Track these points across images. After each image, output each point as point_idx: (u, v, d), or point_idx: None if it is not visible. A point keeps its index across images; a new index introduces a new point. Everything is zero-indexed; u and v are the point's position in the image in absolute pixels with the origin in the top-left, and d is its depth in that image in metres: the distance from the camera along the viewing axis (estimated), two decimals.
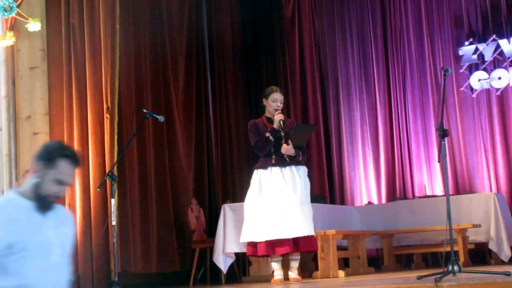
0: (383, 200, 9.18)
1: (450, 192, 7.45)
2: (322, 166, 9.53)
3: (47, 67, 6.70)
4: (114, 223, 5.53)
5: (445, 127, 4.94)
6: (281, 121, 5.83)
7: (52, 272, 2.86)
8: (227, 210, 6.76)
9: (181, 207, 7.77)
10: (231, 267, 7.02)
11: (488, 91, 8.92)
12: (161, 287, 7.38)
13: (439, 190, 8.86)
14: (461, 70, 9.06)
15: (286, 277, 5.98)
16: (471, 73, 9.02)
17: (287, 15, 9.94)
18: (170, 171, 7.77)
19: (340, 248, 7.02)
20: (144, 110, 6.04)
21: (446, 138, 5.02)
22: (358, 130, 9.58)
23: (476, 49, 8.96)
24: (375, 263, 8.04)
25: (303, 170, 5.93)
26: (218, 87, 8.93)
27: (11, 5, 6.38)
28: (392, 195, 9.14)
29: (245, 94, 9.60)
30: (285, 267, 6.03)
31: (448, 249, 4.86)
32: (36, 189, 2.87)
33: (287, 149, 5.81)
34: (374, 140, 9.46)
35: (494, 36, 8.85)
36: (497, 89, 8.84)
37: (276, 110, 5.89)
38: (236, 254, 6.90)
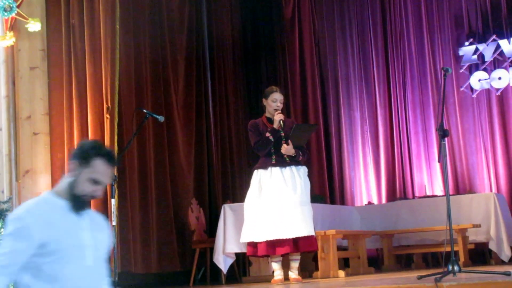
0: (383, 200, 9.18)
1: (450, 192, 7.44)
2: (322, 166, 9.53)
3: (47, 67, 6.70)
4: (114, 223, 5.53)
5: (445, 127, 4.94)
6: (281, 121, 5.83)
7: (86, 275, 2.81)
8: (227, 210, 6.76)
9: (181, 207, 7.77)
10: (231, 267, 7.02)
11: (488, 91, 8.92)
12: (161, 287, 7.38)
13: (439, 190, 8.86)
14: (461, 70, 9.06)
15: (286, 277, 5.98)
16: (471, 73, 9.02)
17: (287, 15, 9.94)
18: (170, 171, 7.77)
19: (340, 248, 7.02)
20: (144, 110, 6.04)
21: (446, 138, 5.03)
22: (358, 130, 9.58)
23: (476, 49, 8.96)
24: (375, 263, 8.05)
25: (303, 170, 5.93)
26: (218, 87, 8.93)
27: (11, 5, 6.38)
28: (392, 195, 9.13)
29: (245, 94, 9.60)
30: (285, 267, 6.03)
31: (448, 249, 4.87)
32: (71, 188, 2.83)
33: (287, 149, 5.81)
34: (374, 140, 9.46)
35: (494, 36, 8.85)
36: (497, 89, 8.84)
37: (276, 110, 5.89)
38: (236, 254, 6.90)
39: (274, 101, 5.91)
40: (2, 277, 2.67)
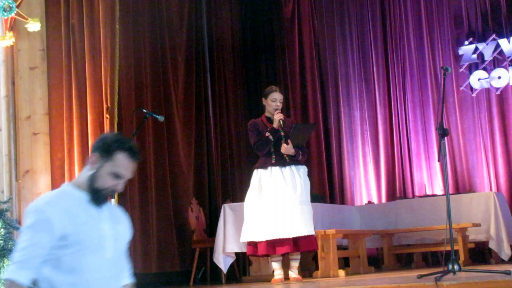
0: (383, 200, 9.18)
1: (450, 191, 7.45)
2: (322, 165, 9.53)
3: (47, 67, 6.69)
4: None
5: (445, 127, 4.94)
6: (280, 121, 5.83)
7: (106, 267, 2.77)
8: (227, 210, 6.76)
9: (181, 207, 7.77)
10: (231, 267, 7.02)
11: (488, 91, 8.92)
12: (161, 287, 7.38)
13: (439, 189, 8.86)
14: (461, 70, 9.06)
15: (286, 277, 5.98)
16: (471, 72, 9.02)
17: (287, 15, 9.94)
18: (170, 171, 7.78)
19: (340, 247, 7.03)
20: (144, 110, 6.04)
21: (446, 138, 5.03)
22: (358, 130, 9.58)
23: (476, 49, 8.96)
24: (375, 262, 8.04)
25: (303, 169, 5.93)
26: (218, 87, 8.93)
27: (11, 5, 6.38)
28: (392, 195, 9.13)
29: (245, 94, 9.61)
30: (285, 266, 6.03)
31: (448, 248, 4.87)
32: (91, 181, 2.78)
33: (286, 148, 5.81)
34: (374, 140, 9.46)
35: (493, 36, 8.85)
36: (497, 89, 8.84)
37: (276, 109, 5.89)
38: (236, 254, 6.90)
39: (274, 101, 5.92)
40: (25, 271, 2.63)
